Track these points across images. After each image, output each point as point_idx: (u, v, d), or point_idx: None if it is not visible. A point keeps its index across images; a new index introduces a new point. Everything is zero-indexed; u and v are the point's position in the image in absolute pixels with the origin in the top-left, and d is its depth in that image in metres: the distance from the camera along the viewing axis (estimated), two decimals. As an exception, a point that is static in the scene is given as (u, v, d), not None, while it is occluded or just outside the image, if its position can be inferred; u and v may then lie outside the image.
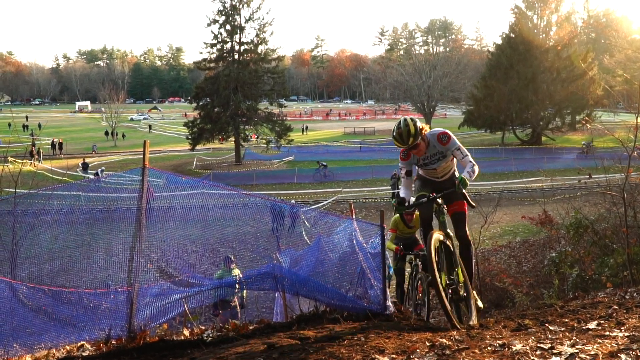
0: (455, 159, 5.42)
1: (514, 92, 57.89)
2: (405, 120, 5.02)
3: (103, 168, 40.38)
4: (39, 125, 69.31)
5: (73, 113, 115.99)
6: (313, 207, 23.85)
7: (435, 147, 5.23)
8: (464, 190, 5.12)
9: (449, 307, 4.51)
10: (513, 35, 60.24)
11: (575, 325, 3.53)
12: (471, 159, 5.21)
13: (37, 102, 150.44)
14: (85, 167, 42.51)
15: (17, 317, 5.22)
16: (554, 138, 60.42)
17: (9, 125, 69.77)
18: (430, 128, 5.44)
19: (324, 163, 42.44)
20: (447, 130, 5.29)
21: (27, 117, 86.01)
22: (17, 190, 10.49)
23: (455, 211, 5.34)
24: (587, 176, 27.73)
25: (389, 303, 6.18)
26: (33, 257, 5.77)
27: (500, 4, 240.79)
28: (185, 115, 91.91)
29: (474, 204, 5.25)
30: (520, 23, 60.42)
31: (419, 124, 5.03)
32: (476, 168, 5.17)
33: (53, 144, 55.77)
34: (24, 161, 24.51)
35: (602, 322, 3.53)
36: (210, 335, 4.19)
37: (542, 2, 60.01)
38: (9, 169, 13.88)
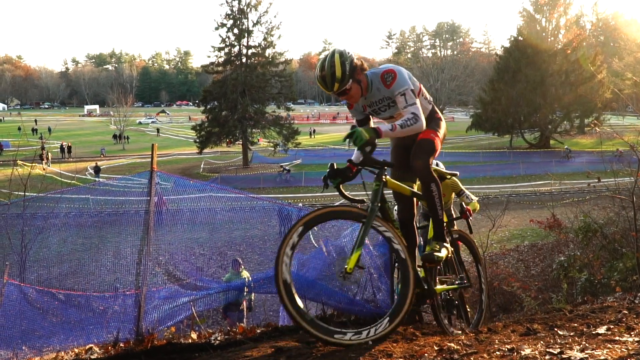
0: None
1: (522, 96, 57.73)
2: (332, 57, 3.73)
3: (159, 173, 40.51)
4: (49, 129, 69.82)
5: (82, 117, 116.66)
6: (320, 210, 23.82)
7: (379, 90, 3.89)
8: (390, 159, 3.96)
9: (296, 316, 3.35)
10: (521, 39, 60.05)
11: (585, 329, 3.51)
12: (416, 112, 3.77)
13: (46, 106, 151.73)
14: (97, 170, 42.72)
15: (26, 320, 5.25)
16: (562, 141, 60.14)
17: (19, 128, 70.37)
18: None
19: (287, 168, 44.13)
20: (394, 68, 3.87)
21: (36, 121, 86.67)
22: (26, 194, 10.57)
23: (420, 138, 3.99)
24: (596, 180, 27.59)
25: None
26: (42, 260, 5.81)
27: (508, 7, 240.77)
28: (190, 118, 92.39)
29: (384, 181, 3.78)
30: (529, 26, 60.29)
31: (352, 62, 3.75)
32: (418, 124, 3.75)
33: (62, 148, 56.15)
34: (33, 164, 24.66)
35: (611, 326, 3.51)
36: (218, 338, 4.19)
37: (550, 5, 59.86)
38: (18, 172, 13.97)
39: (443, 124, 4.23)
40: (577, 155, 50.09)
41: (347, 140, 3.65)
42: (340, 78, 3.69)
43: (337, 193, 3.81)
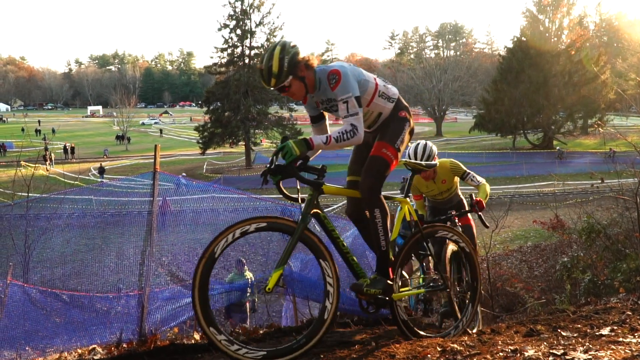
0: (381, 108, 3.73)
1: (525, 96, 57.59)
2: (272, 50, 3.39)
3: (184, 174, 40.46)
4: (53, 130, 69.97)
5: (85, 117, 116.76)
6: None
7: (326, 90, 3.52)
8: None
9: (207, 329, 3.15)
10: (524, 39, 59.92)
11: (588, 331, 3.50)
12: (356, 123, 3.40)
13: (50, 107, 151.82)
14: (101, 171, 42.85)
15: (30, 321, 5.27)
16: (565, 142, 59.98)
17: (22, 129, 70.58)
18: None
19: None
20: (340, 69, 3.46)
21: (39, 122, 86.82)
22: (29, 194, 10.59)
23: (373, 153, 3.67)
24: (600, 180, 27.56)
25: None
26: (45, 260, 5.82)
27: (511, 8, 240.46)
28: (191, 119, 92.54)
29: (320, 189, 3.47)
30: (532, 27, 60.20)
31: (294, 58, 3.40)
32: (355, 138, 3.41)
33: (65, 149, 56.25)
34: (37, 165, 24.73)
35: (615, 327, 3.50)
36: (221, 339, 4.19)
37: (553, 5, 59.73)
38: (21, 173, 14.01)
39: (407, 127, 3.78)
40: (580, 156, 50.00)
41: (276, 156, 3.33)
42: (276, 73, 3.35)
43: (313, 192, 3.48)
